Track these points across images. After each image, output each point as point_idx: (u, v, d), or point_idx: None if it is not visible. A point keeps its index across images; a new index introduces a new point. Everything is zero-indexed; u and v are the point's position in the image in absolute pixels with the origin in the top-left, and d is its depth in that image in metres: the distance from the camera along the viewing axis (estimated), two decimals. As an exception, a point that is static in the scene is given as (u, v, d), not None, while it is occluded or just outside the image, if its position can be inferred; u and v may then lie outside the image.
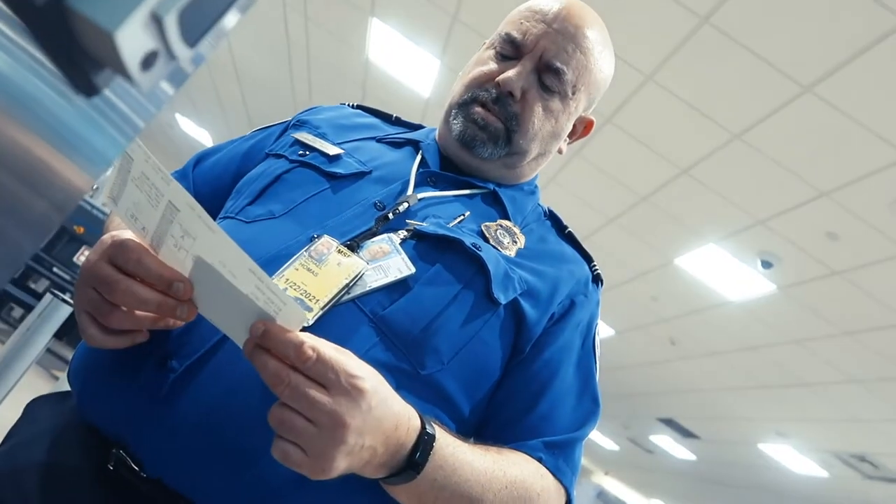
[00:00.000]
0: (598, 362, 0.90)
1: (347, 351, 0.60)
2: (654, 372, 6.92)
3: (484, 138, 0.90)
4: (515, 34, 0.91)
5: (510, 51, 0.91)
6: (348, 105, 1.07)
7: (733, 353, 5.48)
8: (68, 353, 4.67)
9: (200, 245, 0.55)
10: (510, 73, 0.88)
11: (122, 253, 0.60)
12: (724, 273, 4.43)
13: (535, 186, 1.02)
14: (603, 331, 6.59)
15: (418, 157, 0.93)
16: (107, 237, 0.64)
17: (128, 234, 0.64)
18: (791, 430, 6.33)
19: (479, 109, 0.90)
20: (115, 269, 0.61)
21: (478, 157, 0.92)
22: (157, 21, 0.22)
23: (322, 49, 5.09)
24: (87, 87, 0.25)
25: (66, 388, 0.79)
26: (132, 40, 0.22)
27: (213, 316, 0.61)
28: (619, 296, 5.51)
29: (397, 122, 1.05)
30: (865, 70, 2.58)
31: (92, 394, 0.72)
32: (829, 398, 5.24)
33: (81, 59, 0.24)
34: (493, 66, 0.92)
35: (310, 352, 0.54)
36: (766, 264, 4.05)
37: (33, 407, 0.80)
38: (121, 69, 0.23)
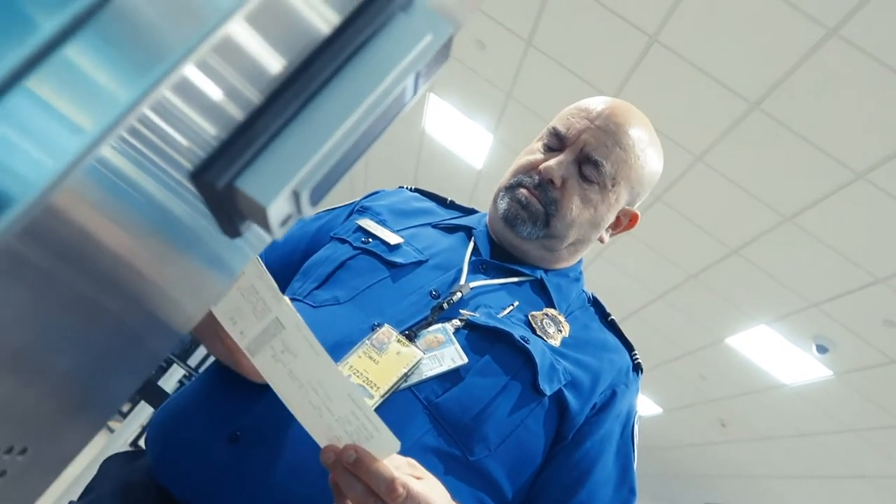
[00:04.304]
0: (636, 451, 0.93)
1: (434, 480, 0.64)
2: (702, 454, 6.67)
3: (525, 217, 0.97)
4: (560, 128, 0.99)
5: (555, 143, 1.00)
6: (407, 188, 1.15)
7: (787, 439, 5.27)
8: (125, 407, 4.80)
9: (301, 363, 0.60)
10: (551, 162, 0.96)
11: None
12: (777, 355, 4.33)
13: (580, 273, 1.07)
14: (649, 409, 6.46)
15: (471, 245, 1.00)
16: None
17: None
18: (850, 526, 5.97)
19: (523, 191, 0.98)
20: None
21: (518, 235, 0.98)
22: (296, 195, 0.30)
23: (380, 120, 5.31)
24: (233, 233, 0.33)
25: (123, 440, 0.86)
26: (278, 210, 0.30)
27: (298, 414, 0.65)
28: (667, 373, 5.41)
29: (451, 205, 1.13)
30: (920, 160, 2.59)
31: (169, 461, 0.79)
32: (889, 493, 4.96)
33: (235, 215, 0.32)
34: (538, 155, 1.00)
35: (401, 489, 0.58)
36: (822, 349, 3.95)
37: (108, 465, 0.88)
38: (265, 227, 0.30)
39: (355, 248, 0.96)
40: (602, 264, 4.59)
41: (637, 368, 0.99)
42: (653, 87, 3.16)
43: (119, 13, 0.23)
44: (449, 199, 1.14)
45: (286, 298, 0.60)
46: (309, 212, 0.33)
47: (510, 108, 4.10)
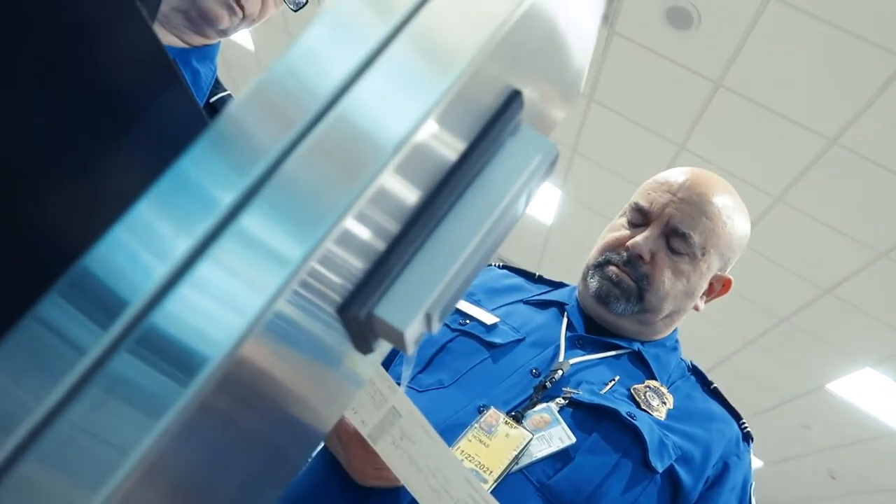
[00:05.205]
0: None
1: None
2: (813, 509, 6.21)
3: (617, 294, 0.97)
4: (643, 203, 1.00)
5: (638, 219, 1.00)
6: (496, 266, 1.18)
7: (908, 491, 4.85)
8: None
9: (418, 449, 0.64)
10: (638, 238, 0.97)
11: None
12: (886, 400, 4.03)
13: (676, 341, 1.06)
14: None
15: (564, 321, 1.00)
16: None
17: None
18: None
19: (612, 268, 0.98)
20: None
21: (612, 312, 0.98)
22: (428, 317, 0.33)
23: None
24: (366, 350, 0.36)
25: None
26: (413, 332, 0.32)
27: (419, 497, 0.68)
28: (764, 423, 5.11)
29: (540, 280, 1.15)
30: None
31: None
32: None
33: (371, 337, 0.34)
34: (624, 232, 1.01)
35: None
36: (936, 390, 3.66)
37: None
38: (402, 348, 0.33)
39: (453, 330, 0.98)
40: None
41: (747, 438, 0.95)
42: (722, 132, 3.12)
43: (284, 181, 0.26)
44: (537, 273, 1.16)
45: (400, 389, 0.63)
46: (437, 329, 0.35)
47: (576, 163, 4.12)
